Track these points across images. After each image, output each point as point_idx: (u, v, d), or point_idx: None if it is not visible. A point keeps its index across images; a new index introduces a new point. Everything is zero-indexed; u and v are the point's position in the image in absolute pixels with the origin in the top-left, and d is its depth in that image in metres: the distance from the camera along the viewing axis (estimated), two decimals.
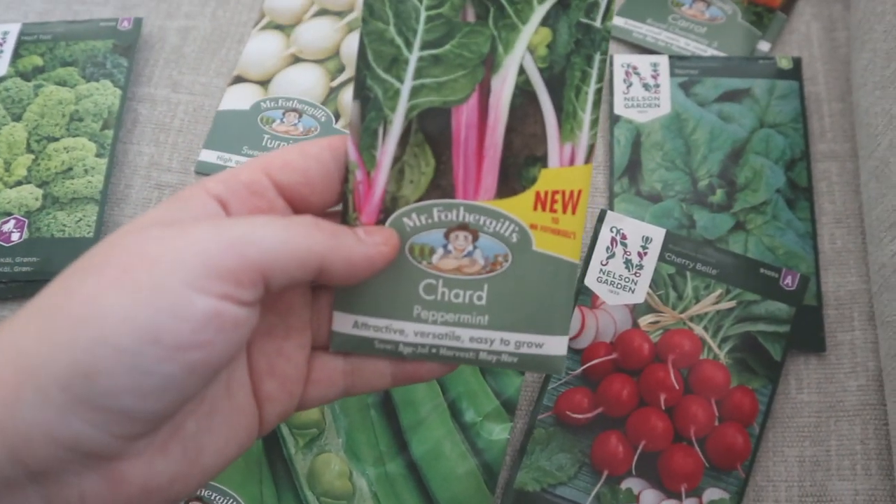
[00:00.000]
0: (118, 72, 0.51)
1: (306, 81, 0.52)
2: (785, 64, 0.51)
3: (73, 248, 0.46)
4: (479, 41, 0.28)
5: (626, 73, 0.52)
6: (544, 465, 0.42)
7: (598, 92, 0.28)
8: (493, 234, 0.29)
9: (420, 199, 0.29)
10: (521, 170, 0.29)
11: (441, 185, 0.29)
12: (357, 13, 0.54)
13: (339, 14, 0.54)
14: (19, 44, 0.52)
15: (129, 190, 0.50)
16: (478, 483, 0.42)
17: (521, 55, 0.28)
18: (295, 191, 0.27)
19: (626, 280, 0.45)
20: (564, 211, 0.29)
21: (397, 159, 0.28)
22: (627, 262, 0.45)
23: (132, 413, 0.22)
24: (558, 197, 0.29)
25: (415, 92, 0.28)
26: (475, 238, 0.29)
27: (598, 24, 0.28)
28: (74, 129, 0.49)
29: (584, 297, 0.45)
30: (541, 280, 0.29)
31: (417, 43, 0.28)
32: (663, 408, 0.43)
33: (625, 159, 0.49)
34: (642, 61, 0.52)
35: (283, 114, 0.51)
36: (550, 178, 0.29)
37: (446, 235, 0.29)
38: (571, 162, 0.29)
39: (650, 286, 0.45)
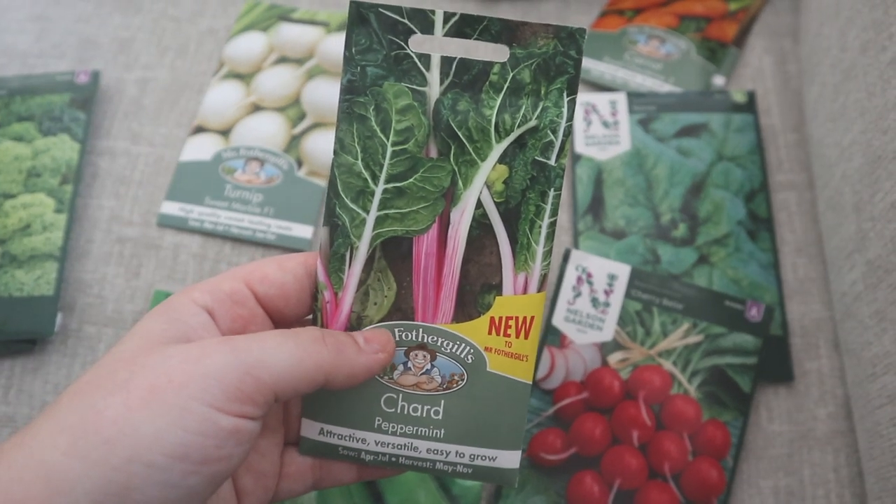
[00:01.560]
0: (76, 125, 0.50)
1: (267, 130, 0.51)
2: (740, 98, 0.52)
3: (33, 307, 0.45)
4: (440, 176, 0.30)
5: (586, 112, 0.52)
6: None
7: (552, 225, 0.30)
8: (450, 354, 0.31)
9: (383, 320, 0.31)
10: (478, 296, 0.31)
11: (402, 308, 0.31)
12: (316, 60, 0.54)
13: (299, 62, 0.54)
14: None
15: (90, 245, 0.49)
16: None
17: (479, 190, 0.30)
18: (272, 303, 0.30)
19: (594, 318, 0.45)
20: (517, 336, 0.31)
21: (362, 282, 0.31)
22: (594, 301, 0.45)
23: None
24: (511, 322, 0.31)
25: (379, 221, 0.31)
26: (433, 357, 0.31)
27: (552, 162, 0.30)
28: (32, 185, 0.48)
29: (552, 336, 0.45)
30: (494, 398, 0.31)
31: (383, 176, 0.30)
32: (636, 445, 0.42)
33: (588, 197, 0.50)
34: (601, 99, 0.53)
35: (245, 163, 0.51)
36: (504, 304, 0.31)
37: (406, 354, 0.31)
38: (525, 290, 0.31)
39: (618, 323, 0.45)
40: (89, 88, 0.52)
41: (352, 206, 0.30)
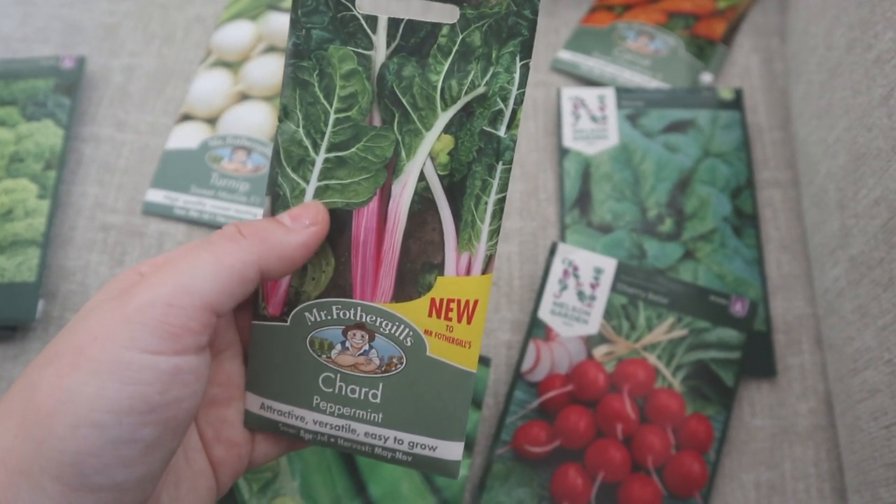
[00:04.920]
0: (60, 111, 0.50)
1: (255, 119, 0.51)
2: (727, 95, 0.53)
3: (15, 293, 0.45)
4: (383, 145, 0.28)
5: (574, 106, 0.52)
6: (504, 501, 0.42)
7: (500, 202, 0.28)
8: (388, 335, 0.29)
9: (320, 296, 0.29)
10: (418, 275, 0.29)
11: (340, 285, 0.29)
12: None
13: None
14: None
15: (73, 232, 0.48)
16: None
17: (422, 161, 0.28)
18: None
19: (580, 311, 0.45)
20: (459, 320, 0.29)
21: None
22: (580, 294, 0.45)
23: (125, 484, 0.23)
24: (453, 305, 0.29)
25: (319, 192, 0.29)
26: (371, 338, 0.29)
27: (501, 132, 0.28)
28: (15, 170, 0.48)
29: (538, 329, 0.45)
30: (434, 385, 0.29)
31: (325, 145, 0.29)
32: (620, 438, 0.43)
33: (575, 191, 0.50)
34: (589, 94, 0.53)
35: (232, 151, 0.50)
36: (446, 286, 0.29)
37: (344, 333, 0.29)
38: (468, 272, 0.29)
39: (603, 317, 0.45)
40: (74, 74, 0.51)
41: (292, 175, 0.29)
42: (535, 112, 0.54)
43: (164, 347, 0.23)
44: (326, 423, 0.30)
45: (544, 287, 0.46)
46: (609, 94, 0.53)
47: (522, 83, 0.27)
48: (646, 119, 0.52)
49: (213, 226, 0.49)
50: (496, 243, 0.29)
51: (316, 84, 0.28)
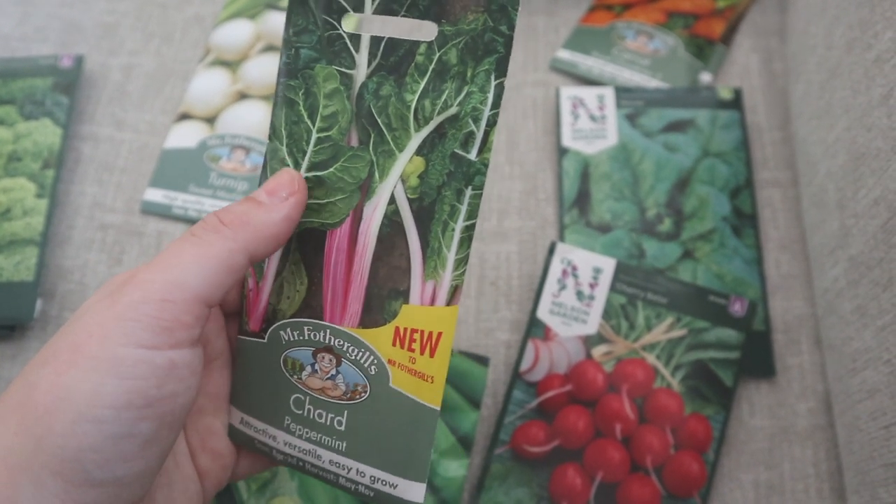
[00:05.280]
0: (59, 110, 0.50)
1: (254, 118, 0.51)
2: (726, 94, 0.53)
3: (13, 293, 0.44)
4: (358, 166, 0.28)
5: (573, 105, 0.52)
6: (503, 501, 0.42)
7: (468, 229, 0.27)
8: (354, 361, 0.28)
9: (294, 316, 0.29)
10: (384, 301, 0.28)
11: (312, 305, 0.29)
12: None
13: None
14: None
15: (71, 231, 0.48)
16: None
17: (393, 184, 0.28)
18: None
19: (579, 311, 0.45)
20: (422, 352, 0.27)
21: (279, 274, 0.29)
22: (579, 294, 0.45)
23: (124, 479, 0.23)
24: (417, 336, 0.27)
25: None
26: (338, 363, 0.29)
27: (472, 156, 0.27)
28: (13, 169, 0.48)
29: (536, 329, 0.45)
30: (396, 419, 0.28)
31: (305, 164, 0.28)
32: (619, 438, 0.43)
33: (574, 190, 0.50)
34: (588, 93, 0.53)
35: (231, 151, 0.50)
36: (411, 315, 0.28)
37: (314, 355, 0.29)
38: (433, 301, 0.27)
39: (602, 316, 0.45)
40: (73, 73, 0.51)
41: None
42: (534, 111, 0.54)
43: (159, 342, 0.24)
44: (295, 446, 0.30)
45: (543, 287, 0.46)
46: (608, 93, 0.53)
47: (496, 104, 0.26)
48: (645, 119, 0.52)
49: None
50: (463, 273, 0.27)
51: (301, 103, 0.28)
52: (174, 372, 0.24)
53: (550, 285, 0.46)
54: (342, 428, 0.29)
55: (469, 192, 0.27)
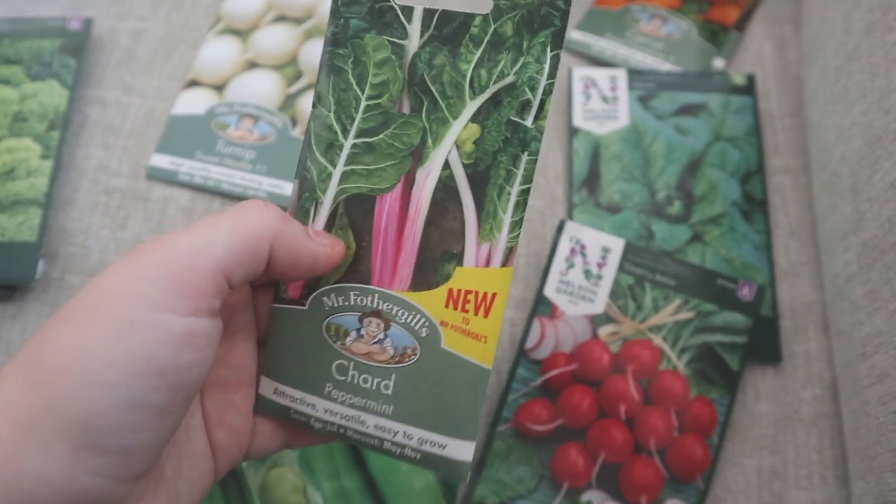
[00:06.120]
0: (66, 72, 0.49)
1: (262, 87, 0.51)
2: (739, 80, 0.52)
3: (15, 253, 0.44)
4: (410, 133, 0.29)
5: (585, 86, 0.52)
6: (504, 478, 0.41)
7: (524, 193, 0.28)
8: (404, 325, 0.29)
9: (339, 281, 0.29)
10: (437, 265, 0.28)
11: (359, 270, 0.29)
12: (315, 20, 0.54)
13: (297, 21, 0.53)
14: None
15: (75, 194, 0.48)
16: (436, 498, 0.40)
17: (448, 149, 0.28)
18: None
19: (586, 290, 0.45)
20: (476, 312, 0.28)
21: None
22: (587, 273, 0.45)
23: (132, 449, 0.23)
24: (471, 297, 0.28)
25: (345, 177, 0.29)
26: (387, 327, 0.29)
27: (528, 122, 0.27)
28: (18, 129, 0.47)
29: (543, 307, 0.44)
30: (448, 380, 0.28)
31: (353, 130, 0.29)
32: (623, 419, 0.42)
33: (584, 170, 0.49)
34: (601, 74, 0.52)
35: (239, 119, 0.50)
36: (465, 277, 0.28)
37: (360, 320, 0.29)
38: (487, 263, 0.28)
39: (610, 296, 0.45)
40: (81, 36, 0.51)
41: (320, 158, 0.29)
42: None
43: (177, 307, 0.23)
44: (337, 413, 0.29)
45: (551, 264, 0.45)
46: (621, 75, 0.52)
47: (552, 74, 0.27)
48: (657, 101, 0.51)
49: (216, 192, 0.48)
50: (518, 235, 0.28)
51: (350, 71, 0.29)
52: (191, 341, 0.23)
53: (558, 263, 0.45)
54: (389, 392, 0.29)
55: (525, 157, 0.28)
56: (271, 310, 0.30)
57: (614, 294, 0.45)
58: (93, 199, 0.48)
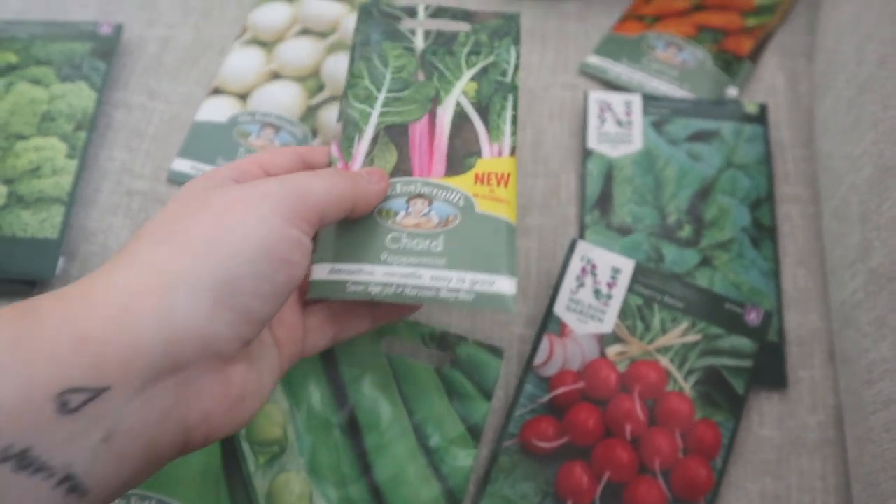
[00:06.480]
0: (95, 75, 0.50)
1: (285, 98, 0.52)
2: (752, 109, 0.53)
3: (36, 249, 0.45)
4: (427, 90, 0.40)
5: (601, 110, 0.53)
6: (508, 494, 0.42)
7: (514, 115, 0.39)
8: (445, 200, 0.36)
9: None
10: (462, 159, 0.38)
11: (402, 169, 0.37)
12: (339, 34, 0.55)
13: (322, 35, 0.55)
14: None
15: (97, 194, 0.49)
16: None
17: (457, 96, 0.40)
18: None
19: (595, 309, 0.45)
20: (499, 184, 0.37)
21: (368, 153, 0.38)
22: (597, 292, 0.46)
23: (254, 314, 0.27)
24: (492, 176, 0.37)
25: (382, 114, 0.39)
26: (430, 203, 0.36)
27: (508, 80, 0.40)
28: (46, 128, 0.48)
29: (552, 324, 0.45)
30: (485, 233, 0.36)
31: (385, 88, 0.40)
32: (629, 438, 0.43)
33: (596, 192, 0.50)
34: (616, 98, 0.53)
35: (261, 128, 0.51)
36: (485, 164, 0.38)
37: (407, 202, 0.36)
38: (499, 154, 0.38)
39: (618, 316, 0.45)
40: (111, 40, 0.52)
41: (360, 105, 0.39)
42: (560, 113, 0.54)
43: (293, 221, 0.29)
44: (395, 274, 0.34)
45: (561, 283, 0.46)
46: (636, 100, 0.53)
47: (518, 54, 0.41)
48: (671, 126, 0.52)
49: None
50: (515, 135, 0.39)
51: (375, 59, 0.41)
52: (300, 246, 0.29)
53: (569, 282, 0.46)
54: (440, 249, 0.35)
55: (511, 97, 0.40)
56: None
57: (623, 314, 0.45)
58: (114, 200, 0.49)
